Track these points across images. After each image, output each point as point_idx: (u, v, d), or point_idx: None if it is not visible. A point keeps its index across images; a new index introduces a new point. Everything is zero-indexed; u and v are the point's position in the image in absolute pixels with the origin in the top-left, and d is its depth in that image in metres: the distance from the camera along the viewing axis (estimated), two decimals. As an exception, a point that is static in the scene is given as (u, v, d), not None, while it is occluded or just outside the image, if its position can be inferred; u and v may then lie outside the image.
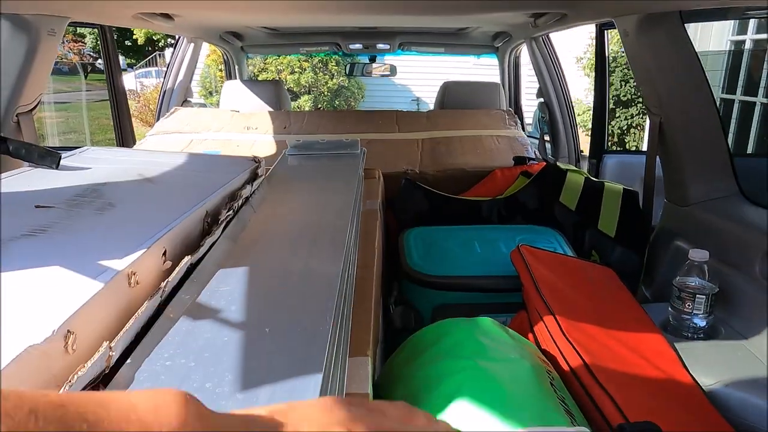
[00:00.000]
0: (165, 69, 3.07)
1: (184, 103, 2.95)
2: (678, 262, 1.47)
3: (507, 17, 2.39)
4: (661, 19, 1.46)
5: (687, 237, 1.56)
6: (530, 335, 1.21)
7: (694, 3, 1.21)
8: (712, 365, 1.17)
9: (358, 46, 3.43)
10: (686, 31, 1.49)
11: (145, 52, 18.25)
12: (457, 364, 0.87)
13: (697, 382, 1.10)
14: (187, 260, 0.95)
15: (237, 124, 2.39)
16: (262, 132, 2.34)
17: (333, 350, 0.76)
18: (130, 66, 18.22)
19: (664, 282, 1.67)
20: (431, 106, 3.27)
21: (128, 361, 0.72)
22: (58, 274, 0.80)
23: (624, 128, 10.48)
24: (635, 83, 1.62)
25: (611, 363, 1.06)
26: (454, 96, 2.93)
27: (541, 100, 2.93)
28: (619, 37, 1.61)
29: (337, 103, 12.04)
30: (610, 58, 8.91)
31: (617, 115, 10.24)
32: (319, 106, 11.88)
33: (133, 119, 2.96)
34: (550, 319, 1.16)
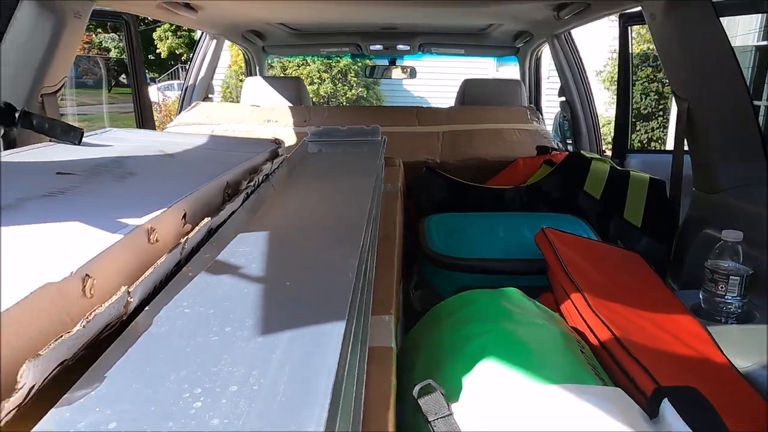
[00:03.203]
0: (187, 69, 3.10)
1: (205, 99, 2.98)
2: (707, 251, 1.43)
3: (529, 12, 2.37)
4: (690, 0, 1.43)
5: (717, 224, 1.51)
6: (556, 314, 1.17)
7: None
8: (747, 348, 1.12)
9: (378, 47, 3.43)
10: (716, 11, 1.46)
11: (167, 66, 18.62)
12: (480, 327, 0.84)
13: (731, 363, 1.06)
14: (207, 221, 0.94)
15: (257, 118, 2.39)
16: (283, 125, 2.35)
17: (356, 303, 0.74)
18: (153, 80, 18.61)
19: (692, 272, 1.62)
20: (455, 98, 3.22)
21: (146, 308, 0.71)
22: (77, 228, 0.79)
23: (644, 141, 10.39)
24: (661, 68, 1.57)
25: (642, 339, 1.02)
26: (474, 93, 2.91)
27: (563, 98, 2.89)
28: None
29: (355, 113, 12.09)
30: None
31: (638, 128, 10.15)
32: (338, 116, 11.93)
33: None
34: (577, 296, 1.12)
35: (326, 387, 0.53)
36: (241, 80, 11.44)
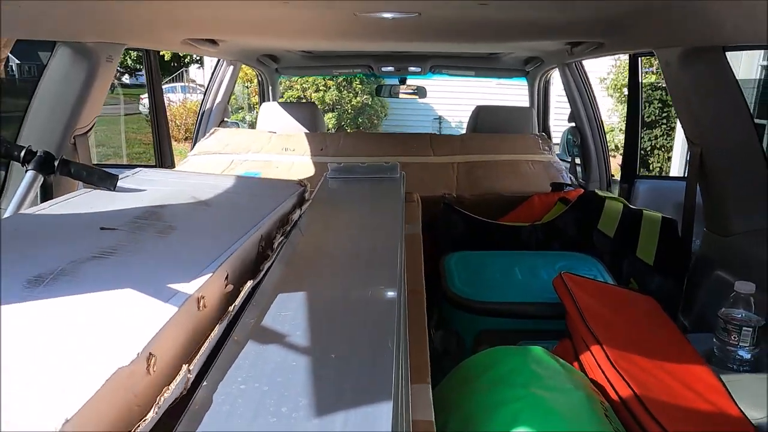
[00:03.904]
0: (191, 85, 3.14)
1: (222, 123, 3.03)
2: (718, 293, 1.47)
3: (542, 44, 2.42)
4: (704, 52, 1.48)
5: (729, 268, 1.56)
6: (575, 363, 1.21)
7: (743, 40, 1.23)
8: (760, 398, 1.17)
9: (390, 68, 3.49)
10: (728, 62, 1.51)
11: (170, 68, 18.62)
12: (512, 393, 0.89)
13: (745, 415, 1.10)
14: (249, 285, 0.99)
15: (275, 146, 2.44)
16: (300, 153, 2.40)
17: (399, 376, 0.78)
18: (157, 82, 18.52)
19: (703, 312, 1.66)
20: (453, 126, 3.31)
21: (204, 383, 0.75)
22: (132, 297, 0.84)
23: (648, 149, 10.39)
24: (675, 113, 1.62)
25: (661, 394, 1.06)
26: (486, 120, 2.97)
27: (573, 124, 2.95)
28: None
29: (360, 120, 12.17)
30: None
31: (641, 136, 10.15)
32: (343, 123, 12.01)
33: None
34: (597, 348, 1.17)
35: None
36: (246, 87, 11.51)
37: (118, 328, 0.75)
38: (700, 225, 1.76)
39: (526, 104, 3.59)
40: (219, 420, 0.68)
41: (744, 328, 1.26)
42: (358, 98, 11.89)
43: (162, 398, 0.67)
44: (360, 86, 11.80)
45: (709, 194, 1.62)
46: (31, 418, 0.56)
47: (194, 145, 2.69)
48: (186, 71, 18.29)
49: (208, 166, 2.27)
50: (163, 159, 2.73)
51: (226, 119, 3.10)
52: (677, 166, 8.23)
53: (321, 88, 11.70)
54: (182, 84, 16.98)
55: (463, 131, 3.36)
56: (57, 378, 0.64)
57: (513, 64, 3.34)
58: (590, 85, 2.88)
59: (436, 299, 1.61)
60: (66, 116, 1.60)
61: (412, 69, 3.50)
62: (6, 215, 1.29)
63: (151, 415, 0.64)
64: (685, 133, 1.65)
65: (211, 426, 0.66)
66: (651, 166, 10.38)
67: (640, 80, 2.66)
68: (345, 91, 11.84)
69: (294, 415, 0.69)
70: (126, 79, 19.08)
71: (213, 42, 2.14)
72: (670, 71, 1.61)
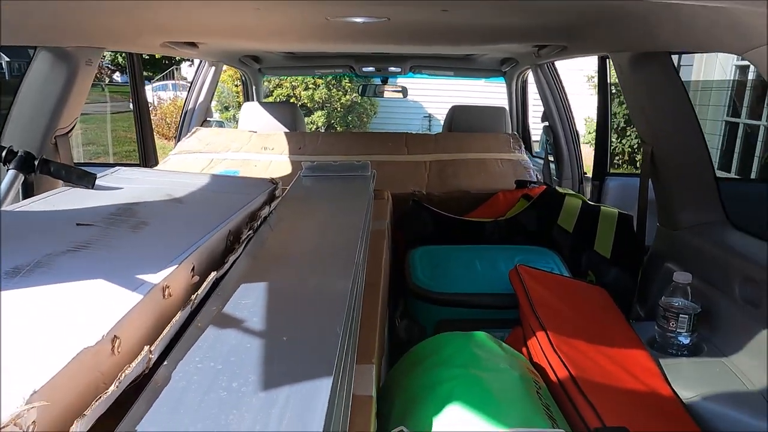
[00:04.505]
0: (182, 82, 3.20)
1: (204, 122, 3.10)
2: (669, 283, 1.56)
3: (512, 47, 2.51)
4: (652, 57, 1.57)
5: (676, 259, 1.65)
6: (524, 349, 1.30)
7: (681, 47, 1.32)
8: (692, 380, 1.26)
9: (370, 68, 3.57)
10: (675, 67, 1.60)
11: (162, 65, 18.52)
12: (450, 372, 0.97)
13: (677, 395, 1.19)
14: (213, 276, 1.07)
15: (255, 145, 2.52)
16: (279, 152, 2.47)
17: (342, 358, 0.87)
18: (148, 79, 18.52)
19: (656, 301, 1.76)
20: (443, 123, 3.40)
21: (165, 363, 0.83)
22: (102, 286, 0.92)
23: (635, 146, 10.50)
24: (629, 114, 1.72)
25: (596, 376, 1.15)
26: (461, 119, 3.06)
27: (546, 123, 3.04)
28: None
29: (349, 119, 12.22)
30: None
31: (628, 133, 10.29)
32: (332, 121, 12.07)
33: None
34: (541, 334, 1.25)
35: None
36: (236, 85, 11.55)
37: (87, 313, 0.83)
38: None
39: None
40: (175, 394, 0.76)
41: (681, 316, 1.35)
42: (348, 96, 11.95)
43: (123, 374, 0.75)
44: (349, 84, 11.87)
45: (659, 191, 1.71)
46: (2, 390, 0.64)
47: (177, 144, 2.76)
48: (177, 69, 18.23)
49: (188, 165, 2.34)
50: (147, 158, 2.79)
51: (208, 119, 3.18)
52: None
53: (310, 86, 11.76)
54: (173, 82, 16.93)
55: None
56: (28, 356, 0.72)
57: (490, 65, 3.44)
58: (562, 85, 2.97)
59: (403, 290, 1.69)
60: (47, 118, 1.67)
61: (392, 69, 3.59)
62: (-13, 213, 1.36)
63: (112, 389, 0.72)
64: (637, 133, 1.74)
65: (166, 399, 0.75)
66: (638, 163, 10.49)
67: (608, 80, 2.75)
68: (334, 90, 11.90)
69: (243, 389, 0.77)
70: (117, 76, 19.01)
71: (193, 44, 2.22)
72: (623, 75, 1.70)
